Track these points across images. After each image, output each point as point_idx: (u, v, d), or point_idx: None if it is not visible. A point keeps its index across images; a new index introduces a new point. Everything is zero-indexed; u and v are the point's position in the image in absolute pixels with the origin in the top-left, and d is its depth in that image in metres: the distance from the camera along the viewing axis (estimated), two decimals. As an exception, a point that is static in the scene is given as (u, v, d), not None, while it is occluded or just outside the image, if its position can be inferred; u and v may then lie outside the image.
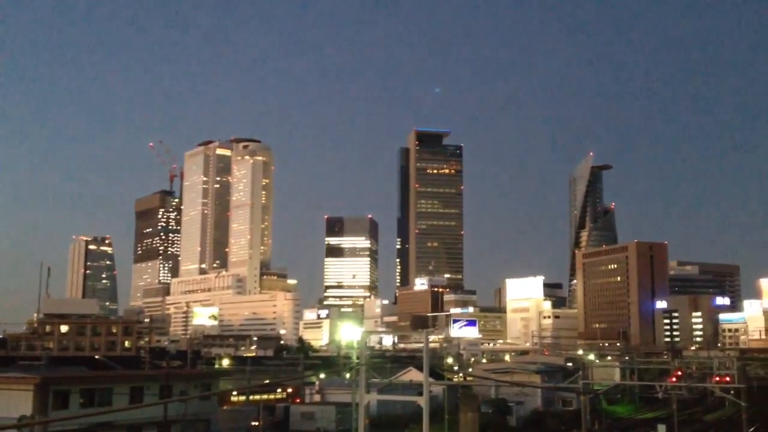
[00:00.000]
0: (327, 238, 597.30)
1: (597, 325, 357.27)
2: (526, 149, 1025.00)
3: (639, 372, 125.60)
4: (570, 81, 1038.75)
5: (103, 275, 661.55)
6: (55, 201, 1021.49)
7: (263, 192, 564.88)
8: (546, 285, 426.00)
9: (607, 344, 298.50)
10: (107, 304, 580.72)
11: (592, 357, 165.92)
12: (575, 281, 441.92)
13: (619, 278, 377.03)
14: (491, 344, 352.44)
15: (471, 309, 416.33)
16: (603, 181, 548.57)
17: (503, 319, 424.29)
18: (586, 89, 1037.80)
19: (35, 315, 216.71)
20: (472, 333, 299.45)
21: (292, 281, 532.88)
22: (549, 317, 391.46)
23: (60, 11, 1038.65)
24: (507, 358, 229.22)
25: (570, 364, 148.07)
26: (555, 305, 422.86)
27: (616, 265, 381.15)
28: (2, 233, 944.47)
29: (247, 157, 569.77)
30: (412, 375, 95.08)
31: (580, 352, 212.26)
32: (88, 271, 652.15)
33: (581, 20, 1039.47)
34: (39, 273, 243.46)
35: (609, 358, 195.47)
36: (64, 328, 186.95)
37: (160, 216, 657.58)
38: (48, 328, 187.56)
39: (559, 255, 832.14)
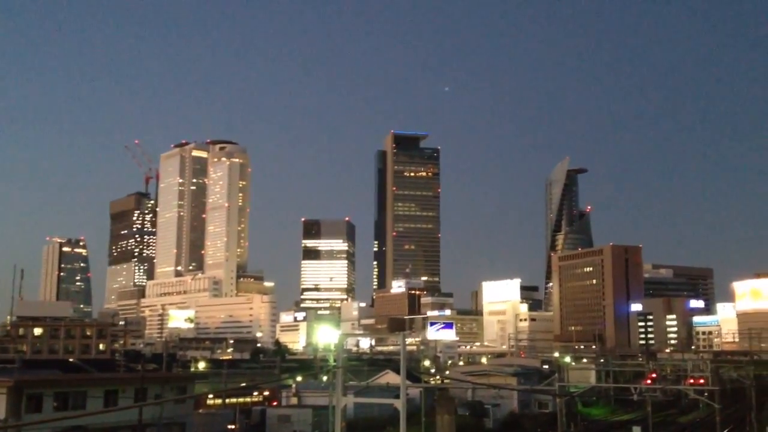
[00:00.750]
0: (304, 241, 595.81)
1: (573, 328, 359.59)
2: (503, 152, 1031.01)
3: (614, 374, 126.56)
4: (546, 85, 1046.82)
5: (78, 277, 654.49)
6: (28, 202, 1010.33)
7: (240, 194, 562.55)
8: (522, 288, 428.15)
9: (582, 347, 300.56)
10: (81, 306, 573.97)
11: (567, 359, 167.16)
12: (551, 284, 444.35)
13: (594, 281, 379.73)
14: (468, 347, 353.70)
15: (448, 311, 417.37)
16: (579, 185, 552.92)
17: (480, 322, 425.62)
18: (563, 93, 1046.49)
19: (8, 317, 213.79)
20: (449, 336, 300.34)
21: (268, 284, 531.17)
22: (525, 320, 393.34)
23: (29, 9, 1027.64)
24: (484, 360, 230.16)
25: (546, 366, 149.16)
26: (531, 308, 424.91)
27: (591, 268, 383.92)
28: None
29: (223, 159, 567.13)
30: (389, 378, 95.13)
31: (556, 354, 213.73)
32: (62, 273, 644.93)
33: (558, 24, 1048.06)
34: (12, 275, 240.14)
35: (584, 360, 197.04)
36: (37, 331, 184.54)
37: (135, 218, 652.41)
38: (21, 330, 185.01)
39: (535, 258, 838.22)
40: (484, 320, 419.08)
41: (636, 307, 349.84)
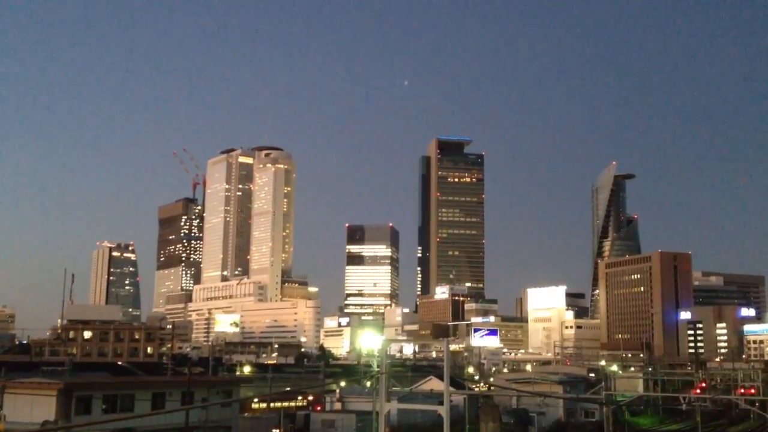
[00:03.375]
0: (348, 246, 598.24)
1: (620, 336, 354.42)
2: (549, 158, 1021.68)
3: (662, 383, 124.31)
4: (593, 89, 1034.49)
5: (127, 281, 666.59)
6: (79, 207, 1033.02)
7: (285, 200, 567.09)
8: (568, 295, 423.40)
9: (630, 355, 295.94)
10: (130, 310, 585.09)
11: (614, 368, 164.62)
12: (598, 291, 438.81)
13: (642, 288, 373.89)
14: (513, 354, 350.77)
15: (492, 318, 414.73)
16: (626, 191, 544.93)
17: (525, 329, 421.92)
18: (610, 97, 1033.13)
19: (59, 321, 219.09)
20: (494, 342, 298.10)
21: (313, 289, 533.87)
22: (571, 327, 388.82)
23: (82, 17, 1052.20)
24: (528, 368, 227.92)
25: (592, 374, 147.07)
26: (577, 315, 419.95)
27: (639, 276, 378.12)
28: (27, 239, 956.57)
29: (269, 165, 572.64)
30: (433, 384, 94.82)
31: (603, 362, 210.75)
32: (111, 278, 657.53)
33: (605, 28, 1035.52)
34: (63, 279, 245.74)
35: (632, 369, 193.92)
36: (87, 334, 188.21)
37: (183, 223, 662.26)
38: (71, 333, 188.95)
39: (581, 265, 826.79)
40: (529, 327, 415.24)
41: (685, 315, 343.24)
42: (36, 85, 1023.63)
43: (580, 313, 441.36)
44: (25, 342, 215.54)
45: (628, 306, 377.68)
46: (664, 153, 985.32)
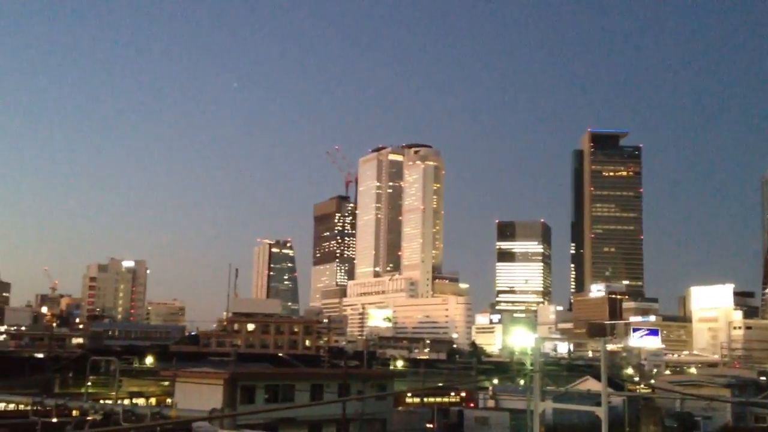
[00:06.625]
0: (498, 243, 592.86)
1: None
2: (712, 148, 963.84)
3: None
4: (760, 72, 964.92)
5: (285, 276, 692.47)
6: (242, 206, 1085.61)
7: (434, 196, 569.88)
8: (736, 293, 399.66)
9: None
10: (289, 304, 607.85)
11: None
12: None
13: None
14: (675, 355, 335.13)
15: (652, 317, 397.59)
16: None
17: (688, 329, 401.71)
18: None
19: (224, 313, 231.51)
20: (654, 343, 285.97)
21: (463, 285, 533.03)
22: (740, 328, 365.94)
23: (265, 19, 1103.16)
24: (692, 370, 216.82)
25: (764, 378, 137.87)
26: (746, 315, 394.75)
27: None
28: (196, 237, 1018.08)
29: (418, 162, 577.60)
30: (590, 384, 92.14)
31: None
32: (271, 273, 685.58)
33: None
34: (228, 274, 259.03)
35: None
36: (250, 327, 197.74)
37: (336, 220, 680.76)
38: (236, 326, 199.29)
39: (750, 262, 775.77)
40: (693, 328, 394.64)
41: None
42: (207, 87, 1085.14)
43: (750, 313, 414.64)
44: (194, 333, 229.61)
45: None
46: None
